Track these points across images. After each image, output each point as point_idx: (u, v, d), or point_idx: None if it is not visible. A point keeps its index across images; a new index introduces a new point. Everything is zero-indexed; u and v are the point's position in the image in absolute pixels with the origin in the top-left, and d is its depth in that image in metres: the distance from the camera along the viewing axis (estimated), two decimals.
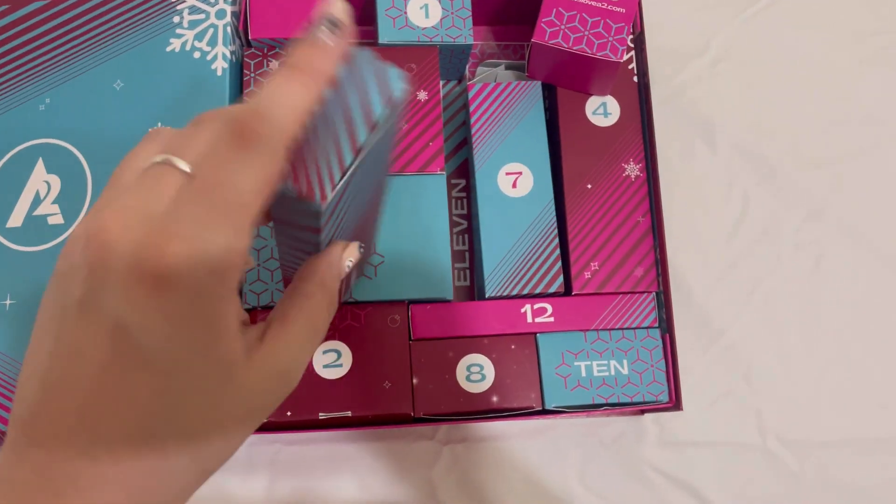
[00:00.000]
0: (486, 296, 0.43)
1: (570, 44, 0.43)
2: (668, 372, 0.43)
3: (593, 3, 0.43)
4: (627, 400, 0.43)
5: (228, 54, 0.44)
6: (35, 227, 0.43)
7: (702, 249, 0.51)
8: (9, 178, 0.43)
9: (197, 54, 0.44)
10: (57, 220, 0.43)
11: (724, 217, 0.52)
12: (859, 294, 0.51)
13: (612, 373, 0.43)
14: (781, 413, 0.49)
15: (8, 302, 0.42)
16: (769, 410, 0.49)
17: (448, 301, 0.43)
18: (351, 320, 0.42)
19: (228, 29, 0.45)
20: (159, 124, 0.43)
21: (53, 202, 0.43)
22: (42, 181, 0.43)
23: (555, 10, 0.43)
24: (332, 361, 0.41)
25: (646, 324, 0.44)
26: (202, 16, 0.45)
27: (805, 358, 0.50)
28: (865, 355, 0.50)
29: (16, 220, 0.43)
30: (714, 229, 0.52)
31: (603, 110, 0.47)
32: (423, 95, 0.45)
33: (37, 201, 0.43)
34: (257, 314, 0.42)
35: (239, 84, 0.45)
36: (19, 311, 0.41)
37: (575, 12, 0.43)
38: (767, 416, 0.49)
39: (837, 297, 0.51)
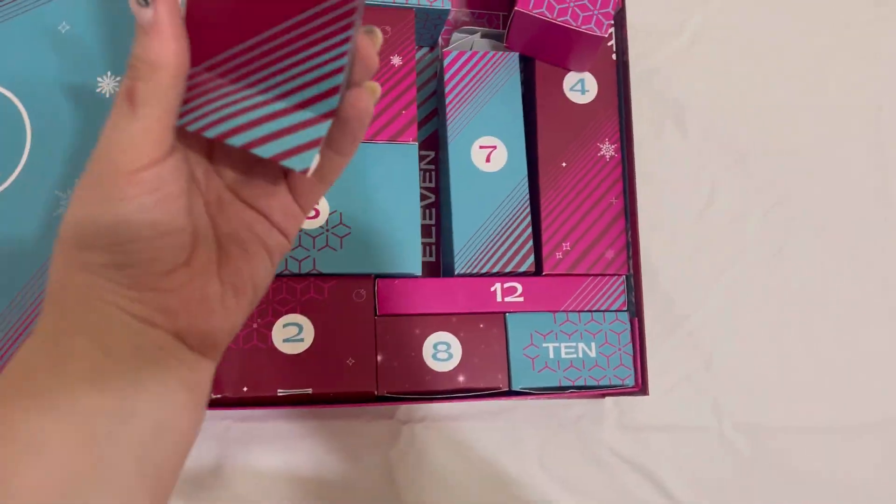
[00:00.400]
0: (455, 272, 0.42)
1: (555, 14, 0.41)
2: (635, 356, 0.43)
3: None
4: (594, 383, 0.42)
5: None
6: None
7: (669, 233, 0.51)
8: None
9: None
10: None
11: (693, 201, 0.52)
12: (820, 283, 0.52)
13: (580, 355, 0.42)
14: (739, 399, 0.49)
15: None
16: (727, 396, 0.49)
17: (416, 276, 0.41)
18: (314, 293, 0.40)
19: None
20: (108, 73, 0.40)
21: None
22: None
23: None
24: (293, 335, 0.39)
25: (615, 307, 0.44)
26: None
27: (765, 345, 0.50)
28: (824, 344, 0.51)
29: None
30: (681, 213, 0.51)
31: (580, 87, 0.45)
32: (397, 60, 0.43)
33: None
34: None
35: None
36: None
37: None
38: (725, 402, 0.49)
39: (799, 285, 0.52)
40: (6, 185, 0.39)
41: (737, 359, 0.50)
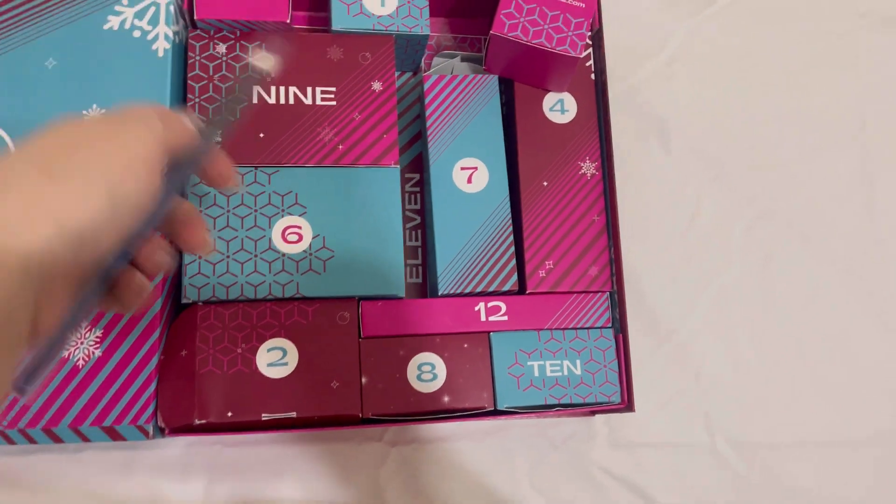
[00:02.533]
0: (439, 293, 0.42)
1: (530, 37, 0.42)
2: (620, 373, 0.43)
3: None
4: (580, 401, 0.42)
5: (171, 34, 0.42)
6: None
7: (654, 249, 0.51)
8: None
9: (137, 33, 0.42)
10: None
11: (677, 216, 0.52)
12: (807, 295, 0.52)
13: (565, 373, 0.43)
14: (730, 414, 0.49)
15: None
16: (718, 412, 0.49)
17: (400, 298, 0.42)
18: (298, 316, 0.40)
19: (172, 8, 0.42)
20: (94, 107, 0.41)
21: None
22: None
23: (514, 2, 0.42)
24: (278, 360, 0.40)
25: (599, 324, 0.44)
26: None
27: (754, 359, 0.50)
28: (813, 356, 0.51)
29: None
30: (667, 228, 0.52)
31: (560, 107, 0.46)
32: (377, 86, 0.44)
33: None
34: (197, 309, 0.40)
35: (183, 67, 0.43)
36: None
37: (535, 5, 0.42)
38: (716, 418, 0.49)
39: (786, 298, 0.52)
40: None
41: (727, 373, 0.50)
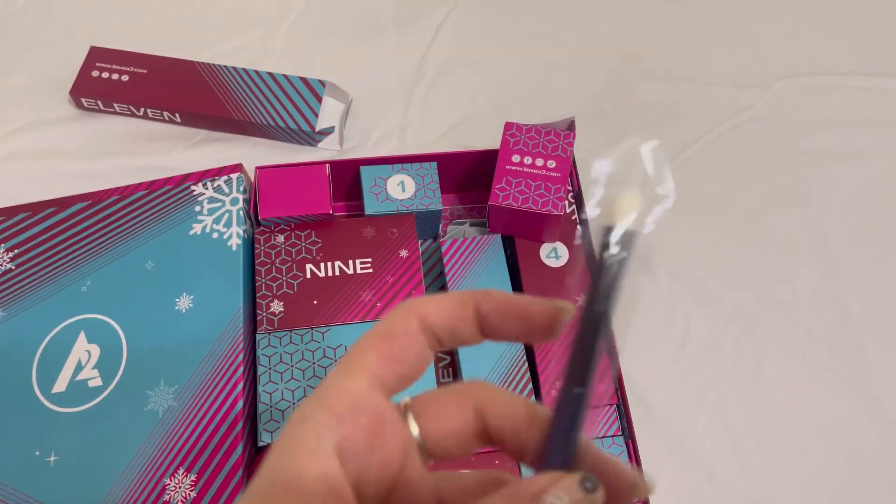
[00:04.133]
0: None
1: (520, 203, 0.53)
2: None
3: (535, 171, 0.54)
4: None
5: (241, 233, 0.54)
6: (77, 390, 0.50)
7: (655, 365, 0.58)
8: (54, 351, 0.51)
9: (215, 235, 0.54)
10: (96, 382, 0.50)
11: (671, 336, 0.60)
12: (798, 395, 0.58)
13: None
14: None
15: (52, 458, 0.48)
16: None
17: None
18: None
19: (241, 212, 0.54)
20: (184, 294, 0.52)
21: (94, 367, 0.50)
22: (84, 350, 0.51)
23: (504, 178, 0.54)
24: None
25: (611, 432, 0.51)
26: (219, 204, 0.55)
27: (759, 456, 0.56)
28: (811, 449, 0.56)
29: (60, 385, 0.50)
30: (663, 347, 0.59)
31: (555, 254, 0.56)
32: (404, 253, 0.54)
33: (79, 368, 0.50)
34: None
35: (251, 256, 0.54)
36: (63, 467, 0.47)
37: (521, 178, 0.54)
38: None
39: (781, 400, 0.58)
40: (110, 388, 0.49)
41: (737, 473, 0.55)
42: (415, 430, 0.25)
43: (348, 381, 0.23)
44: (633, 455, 0.49)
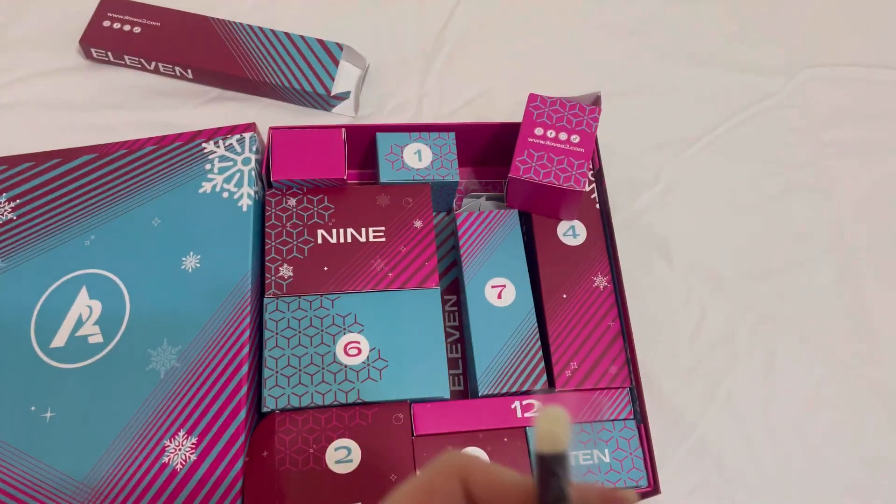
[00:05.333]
0: (479, 394, 0.49)
1: (541, 177, 0.51)
2: (645, 459, 0.48)
3: (558, 145, 0.52)
4: (611, 486, 0.47)
5: (253, 194, 0.52)
6: (77, 346, 0.48)
7: (669, 352, 0.57)
8: (55, 305, 0.49)
9: (225, 194, 0.52)
10: (97, 339, 0.48)
11: (686, 323, 0.59)
12: (811, 387, 0.57)
13: (596, 461, 0.48)
14: (755, 501, 0.53)
15: (49, 415, 0.46)
16: (742, 499, 0.53)
17: (446, 400, 0.48)
18: (359, 419, 0.47)
19: (252, 173, 0.53)
20: (191, 254, 0.50)
21: (95, 324, 0.49)
22: (85, 306, 0.49)
23: (526, 150, 0.52)
24: (344, 457, 0.46)
25: (623, 416, 0.50)
26: (230, 163, 0.53)
27: (769, 448, 0.55)
28: (823, 447, 0.55)
29: (59, 340, 0.48)
30: (678, 334, 0.58)
31: (572, 232, 0.54)
32: (418, 224, 0.53)
33: (79, 323, 0.49)
34: (275, 416, 0.46)
35: (261, 219, 0.53)
36: (59, 424, 0.46)
37: (543, 152, 0.52)
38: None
39: (792, 391, 0.57)
40: (111, 346, 0.48)
41: (746, 462, 0.54)
42: None
43: None
44: (645, 439, 0.48)
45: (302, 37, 0.64)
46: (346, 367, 0.48)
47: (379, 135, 0.55)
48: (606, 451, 0.48)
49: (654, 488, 0.48)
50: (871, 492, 0.54)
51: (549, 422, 0.24)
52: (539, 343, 0.50)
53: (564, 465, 0.24)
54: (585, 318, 0.52)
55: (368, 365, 0.48)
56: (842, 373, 0.58)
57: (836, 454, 0.55)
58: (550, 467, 0.24)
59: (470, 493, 0.25)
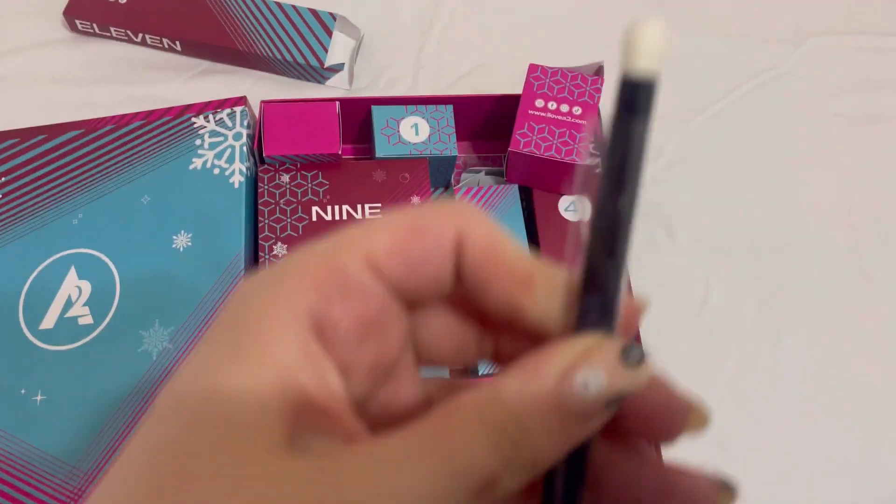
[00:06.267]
0: (480, 374, 0.48)
1: (542, 151, 0.50)
2: None
3: (559, 117, 0.51)
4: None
5: (244, 170, 0.50)
6: (66, 327, 0.47)
7: (672, 328, 0.56)
8: (43, 286, 0.48)
9: (216, 171, 0.51)
10: (87, 320, 0.47)
11: (690, 300, 0.57)
12: (817, 366, 0.56)
13: None
14: (756, 483, 0.52)
15: (39, 398, 0.45)
16: (743, 479, 0.52)
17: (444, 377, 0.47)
18: None
19: (244, 148, 0.51)
20: (182, 232, 0.49)
21: (84, 304, 0.48)
22: (74, 286, 0.48)
23: (526, 123, 0.51)
24: None
25: None
26: (221, 138, 0.52)
27: (773, 428, 0.54)
28: (831, 425, 0.54)
29: (48, 322, 0.47)
30: (681, 311, 0.57)
31: (574, 207, 0.53)
32: (416, 200, 0.51)
33: (68, 304, 0.48)
34: None
35: (254, 195, 0.51)
36: (50, 407, 0.45)
37: (544, 125, 0.51)
38: (742, 482, 0.52)
39: (798, 370, 0.56)
40: (101, 327, 0.47)
41: (750, 442, 0.53)
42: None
43: (336, 258, 0.18)
44: None
45: (294, 6, 0.62)
46: None
47: (374, 108, 0.53)
48: None
49: None
50: (877, 471, 0.53)
51: (650, 32, 0.16)
52: None
53: (648, 109, 0.16)
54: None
55: None
56: (850, 351, 0.57)
57: (841, 434, 0.54)
58: (634, 100, 0.16)
59: (462, 252, 0.19)
